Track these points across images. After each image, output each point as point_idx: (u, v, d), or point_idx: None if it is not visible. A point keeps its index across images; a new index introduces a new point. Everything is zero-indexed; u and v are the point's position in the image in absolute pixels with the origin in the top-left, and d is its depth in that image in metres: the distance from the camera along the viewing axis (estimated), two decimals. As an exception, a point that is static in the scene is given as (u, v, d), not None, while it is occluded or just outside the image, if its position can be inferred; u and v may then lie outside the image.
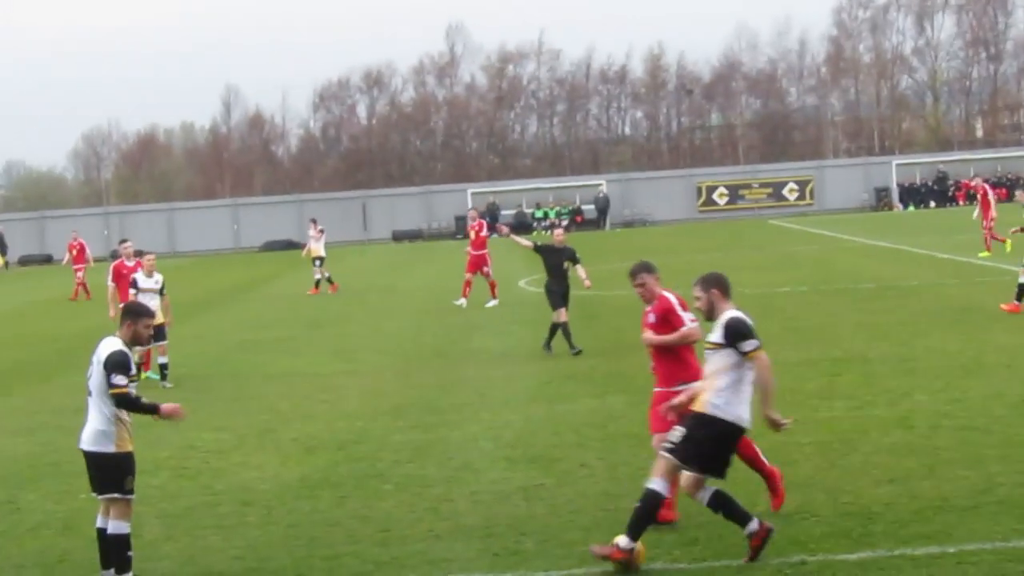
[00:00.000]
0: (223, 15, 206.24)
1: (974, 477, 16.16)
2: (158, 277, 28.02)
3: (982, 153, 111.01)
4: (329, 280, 52.41)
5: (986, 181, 56.78)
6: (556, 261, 29.02)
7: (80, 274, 56.86)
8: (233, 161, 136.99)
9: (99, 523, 13.82)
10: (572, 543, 14.48)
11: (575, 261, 29.15)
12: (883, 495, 15.60)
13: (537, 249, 29.82)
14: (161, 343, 27.41)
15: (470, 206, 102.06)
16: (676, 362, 15.23)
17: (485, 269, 42.66)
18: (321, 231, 54.62)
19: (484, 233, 43.84)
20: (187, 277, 64.28)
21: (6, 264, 72.48)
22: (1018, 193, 55.60)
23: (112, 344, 13.69)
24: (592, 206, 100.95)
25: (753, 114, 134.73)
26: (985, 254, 48.93)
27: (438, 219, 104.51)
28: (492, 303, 42.11)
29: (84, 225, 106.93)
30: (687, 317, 15.11)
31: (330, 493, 17.47)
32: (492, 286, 42.80)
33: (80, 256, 57.99)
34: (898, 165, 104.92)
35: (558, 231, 31.32)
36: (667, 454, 13.38)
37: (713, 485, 13.49)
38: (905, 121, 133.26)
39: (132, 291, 27.49)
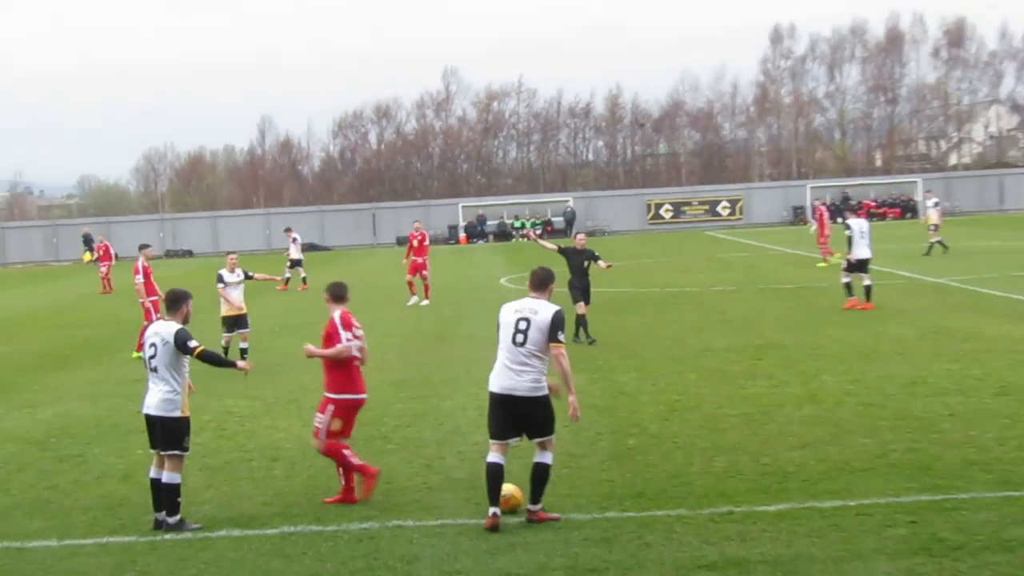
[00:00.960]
0: (260, 55, 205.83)
1: (871, 444, 16.21)
2: (239, 272, 27.52)
3: (880, 179, 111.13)
4: (303, 280, 51.31)
5: (824, 204, 56.66)
6: (578, 261, 28.46)
7: (104, 270, 56.38)
8: (266, 177, 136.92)
9: (152, 474, 13.99)
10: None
11: (595, 259, 28.52)
12: (796, 458, 15.63)
13: (561, 251, 29.13)
14: (243, 330, 27.41)
15: (461, 219, 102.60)
16: (339, 372, 14.98)
17: (424, 272, 41.28)
18: (294, 239, 54.46)
19: (427, 243, 42.48)
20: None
21: (93, 260, 72.45)
22: (931, 210, 55.81)
23: (172, 325, 13.89)
24: (561, 218, 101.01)
25: (694, 144, 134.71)
26: (823, 264, 48.76)
27: (434, 227, 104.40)
28: (424, 302, 40.66)
29: (144, 229, 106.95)
30: (344, 335, 14.87)
31: (342, 451, 17.48)
32: (426, 288, 41.32)
33: (105, 256, 57.49)
34: (811, 188, 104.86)
35: (580, 236, 30.93)
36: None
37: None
38: (818, 152, 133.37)
39: (220, 285, 27.12)
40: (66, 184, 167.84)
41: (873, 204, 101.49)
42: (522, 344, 13.52)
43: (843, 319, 30.32)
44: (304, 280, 51.63)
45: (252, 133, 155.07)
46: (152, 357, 13.90)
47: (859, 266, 32.92)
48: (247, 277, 27.48)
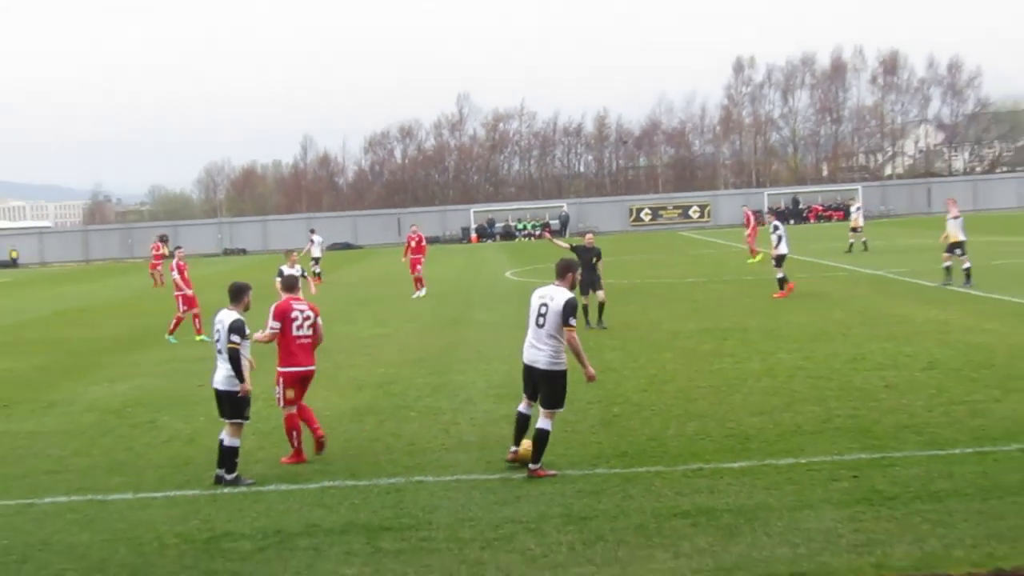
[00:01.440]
0: (303, 82, 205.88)
1: (819, 411, 16.22)
2: (298, 268, 27.22)
3: (826, 187, 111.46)
4: (318, 275, 50.27)
5: (750, 209, 56.61)
6: (587, 257, 27.57)
7: (159, 268, 55.49)
8: (308, 187, 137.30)
9: (222, 436, 13.98)
10: (545, 455, 14.51)
11: (599, 257, 28.02)
12: (756, 423, 15.65)
13: (573, 249, 28.12)
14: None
15: (472, 222, 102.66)
16: (281, 350, 15.16)
17: (419, 268, 40.96)
18: (312, 240, 54.86)
19: (423, 244, 42.04)
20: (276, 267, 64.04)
21: (171, 254, 72.70)
22: (855, 214, 55.83)
23: (232, 314, 14.08)
24: (557, 221, 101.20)
25: (669, 158, 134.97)
26: (752, 260, 48.65)
27: (450, 229, 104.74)
28: (423, 293, 40.17)
29: (205, 232, 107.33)
30: (271, 324, 15.07)
31: (372, 418, 17.50)
32: (420, 281, 40.76)
33: (158, 256, 57.32)
34: (768, 195, 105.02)
35: (589, 235, 30.01)
36: None
37: None
38: (774, 164, 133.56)
39: (277, 278, 26.61)
40: (139, 192, 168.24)
41: (820, 208, 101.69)
42: (542, 326, 13.79)
43: (795, 306, 30.32)
44: (319, 275, 51.60)
45: (296, 149, 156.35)
46: (217, 340, 14.14)
47: (781, 261, 33.73)
48: (302, 275, 27.15)
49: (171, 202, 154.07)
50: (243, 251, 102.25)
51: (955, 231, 33.67)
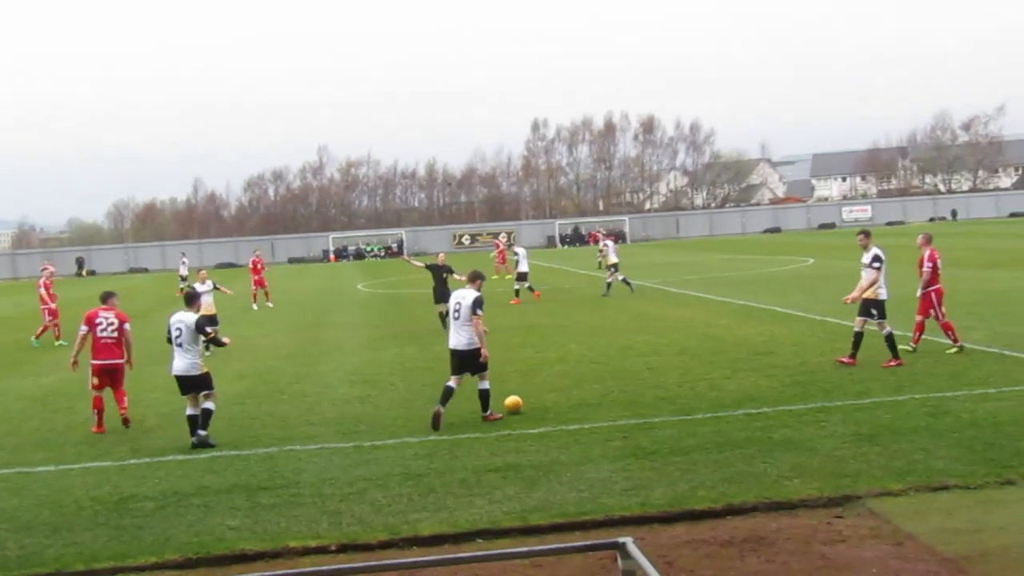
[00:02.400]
0: (195, 135, 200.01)
1: (600, 388, 16.46)
2: (209, 283, 25.12)
3: (602, 218, 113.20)
4: (183, 289, 48.79)
5: (499, 239, 56.06)
6: (440, 273, 26.79)
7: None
8: (198, 219, 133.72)
9: (189, 412, 14.00)
10: (386, 427, 14.42)
11: (451, 272, 26.76)
12: (552, 398, 15.80)
13: (427, 267, 27.25)
14: (215, 327, 25.61)
15: (331, 245, 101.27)
16: (92, 348, 15.51)
17: (264, 285, 39.20)
18: (183, 263, 53.40)
19: (261, 266, 40.09)
20: (173, 283, 62.00)
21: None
22: (610, 251, 56.57)
23: (192, 316, 14.15)
24: (395, 245, 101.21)
25: (483, 196, 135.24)
26: (496, 277, 47.41)
27: (313, 251, 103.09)
28: (270, 304, 38.45)
29: (113, 255, 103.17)
30: (81, 328, 15.60)
31: (252, 401, 17.11)
32: (267, 294, 39.27)
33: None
34: (559, 223, 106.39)
35: (441, 255, 29.37)
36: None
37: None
38: (562, 201, 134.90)
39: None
40: (59, 223, 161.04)
41: (598, 234, 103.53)
42: (458, 318, 14.35)
43: (582, 308, 30.75)
44: (183, 289, 50.14)
45: (188, 189, 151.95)
46: (178, 336, 13.96)
47: (522, 277, 34.91)
48: (215, 287, 26.08)
49: (86, 231, 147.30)
50: (145, 270, 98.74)
51: (611, 255, 36.40)
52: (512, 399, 14.84)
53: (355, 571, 4.98)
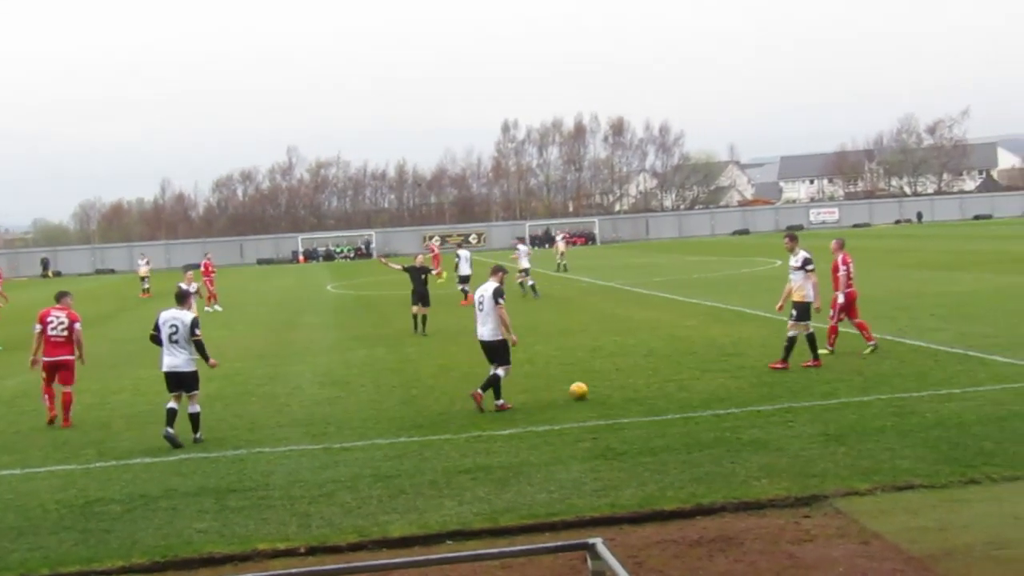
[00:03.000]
0: (162, 134, 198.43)
1: (568, 389, 16.48)
2: (195, 285, 25.49)
3: (572, 219, 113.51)
4: (147, 291, 49.89)
5: (436, 239, 55.44)
6: (417, 275, 26.47)
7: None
8: (166, 219, 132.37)
9: (171, 405, 14.01)
10: (355, 428, 14.38)
11: (429, 272, 26.93)
12: (521, 399, 15.78)
13: (405, 269, 27.08)
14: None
15: (300, 247, 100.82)
16: (44, 345, 16.07)
17: (212, 288, 39.37)
18: (147, 262, 53.26)
19: (213, 270, 40.51)
20: (138, 283, 61.52)
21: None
22: (559, 243, 55.50)
23: (188, 314, 14.26)
24: (363, 245, 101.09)
25: (453, 197, 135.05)
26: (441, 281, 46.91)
27: (282, 252, 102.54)
28: (218, 308, 37.96)
29: (81, 255, 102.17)
30: (35, 326, 16.14)
31: (220, 403, 16.96)
32: (214, 296, 39.18)
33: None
34: (529, 225, 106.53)
35: (419, 256, 29.14)
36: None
37: None
38: (533, 202, 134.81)
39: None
40: (24, 223, 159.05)
41: (568, 235, 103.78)
42: (482, 310, 15.30)
43: (548, 309, 30.79)
44: (147, 291, 50.19)
45: (156, 189, 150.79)
46: (173, 333, 14.04)
47: (464, 280, 35.50)
48: (196, 292, 25.87)
49: (51, 231, 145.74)
50: (112, 271, 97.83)
51: (523, 261, 37.61)
52: (578, 385, 15.58)
53: (325, 574, 4.97)
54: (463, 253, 36.74)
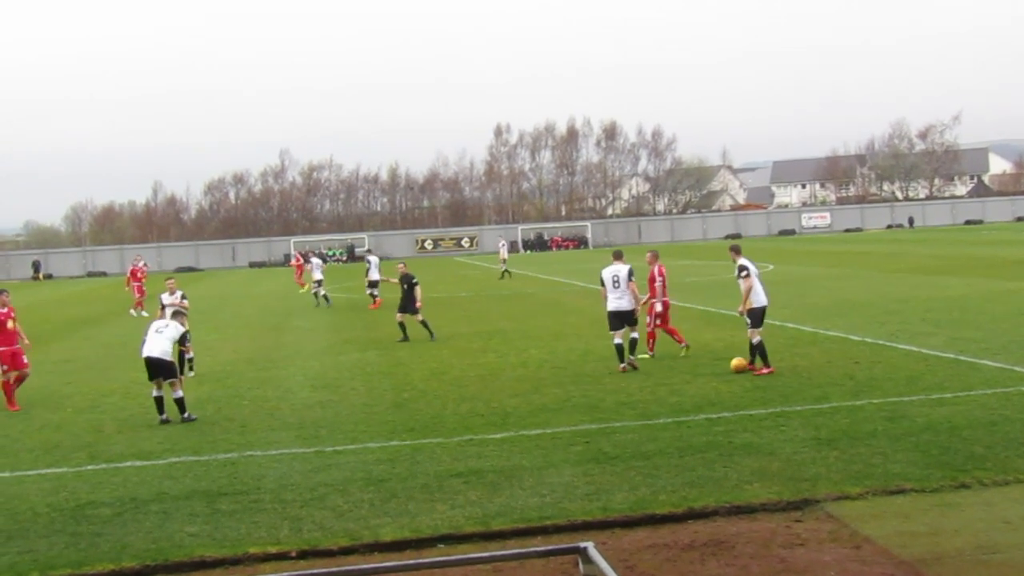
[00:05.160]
0: (154, 137, 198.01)
1: (560, 392, 16.48)
2: (178, 294, 22.35)
3: (564, 223, 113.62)
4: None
5: (298, 252, 53.26)
6: (403, 284, 25.89)
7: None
8: (158, 222, 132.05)
9: (155, 393, 15.64)
10: (346, 431, 14.37)
11: (411, 285, 25.62)
12: (513, 403, 15.80)
13: (399, 280, 26.22)
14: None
15: (292, 249, 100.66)
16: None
17: (143, 291, 38.72)
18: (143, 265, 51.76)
19: (139, 273, 39.75)
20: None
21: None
22: (502, 249, 54.66)
23: (181, 328, 16.62)
24: (355, 248, 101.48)
25: (445, 200, 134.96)
26: (303, 291, 46.46)
27: (274, 255, 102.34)
28: (144, 313, 36.94)
29: (71, 258, 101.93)
30: None
31: (212, 406, 16.93)
32: (142, 303, 38.46)
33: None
34: (521, 229, 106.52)
35: (401, 264, 28.39)
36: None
37: None
38: (525, 206, 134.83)
39: (160, 307, 21.60)
40: (15, 226, 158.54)
41: (560, 239, 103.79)
42: (617, 286, 18.45)
43: (542, 312, 30.79)
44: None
45: (148, 192, 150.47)
46: (163, 329, 15.83)
47: (373, 284, 36.45)
48: (183, 297, 25.40)
49: (42, 234, 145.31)
50: (104, 273, 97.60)
51: (315, 272, 39.02)
52: (739, 360, 17.30)
53: (316, 577, 4.97)
54: (372, 259, 37.78)
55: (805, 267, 45.87)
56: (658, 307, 19.87)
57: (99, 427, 15.61)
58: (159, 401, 15.48)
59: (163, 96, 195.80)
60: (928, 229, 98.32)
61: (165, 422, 15.29)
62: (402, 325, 25.37)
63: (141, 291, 39.00)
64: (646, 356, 19.44)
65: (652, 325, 19.94)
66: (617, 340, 18.24)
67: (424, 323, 25.38)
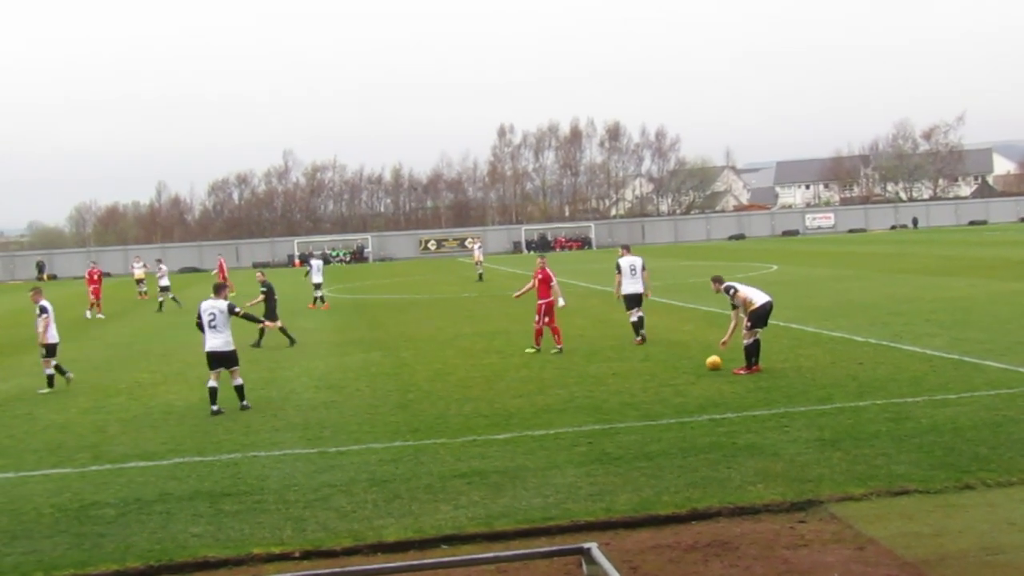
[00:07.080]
0: (160, 137, 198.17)
1: (563, 393, 16.48)
2: (164, 268, 25.15)
3: (568, 224, 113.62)
4: (144, 293, 49.71)
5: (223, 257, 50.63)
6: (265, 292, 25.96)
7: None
8: (162, 223, 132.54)
9: (211, 384, 16.30)
10: (350, 431, 14.37)
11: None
12: (516, 403, 15.80)
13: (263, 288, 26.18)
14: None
15: (296, 250, 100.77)
16: None
17: (98, 294, 39.17)
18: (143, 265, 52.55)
19: (96, 277, 39.81)
20: (133, 285, 61.42)
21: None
22: (476, 252, 55.01)
23: (222, 302, 16.51)
24: (362, 246, 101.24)
25: (449, 201, 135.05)
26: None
27: (278, 256, 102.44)
28: (100, 316, 38.25)
29: (75, 258, 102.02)
30: None
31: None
32: (98, 306, 39.01)
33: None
34: (525, 229, 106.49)
35: (259, 273, 28.12)
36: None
37: None
38: (528, 206, 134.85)
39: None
40: (19, 226, 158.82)
41: (564, 239, 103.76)
42: (634, 273, 22.25)
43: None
44: (144, 293, 49.98)
45: (152, 192, 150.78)
46: (212, 320, 16.26)
47: (317, 287, 37.99)
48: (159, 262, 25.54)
49: (47, 234, 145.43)
50: (108, 274, 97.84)
51: (316, 276, 38.68)
52: (713, 359, 17.76)
53: (320, 577, 4.97)
54: (315, 263, 39.05)
55: (809, 268, 45.84)
56: (560, 303, 22.07)
57: (103, 428, 15.63)
58: (213, 392, 16.17)
59: (167, 98, 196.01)
60: (932, 230, 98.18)
61: (217, 413, 15.96)
62: (283, 330, 25.73)
63: (97, 294, 39.41)
64: (531, 350, 21.69)
65: (540, 323, 21.90)
66: (633, 318, 22.03)
67: (283, 329, 25.84)
